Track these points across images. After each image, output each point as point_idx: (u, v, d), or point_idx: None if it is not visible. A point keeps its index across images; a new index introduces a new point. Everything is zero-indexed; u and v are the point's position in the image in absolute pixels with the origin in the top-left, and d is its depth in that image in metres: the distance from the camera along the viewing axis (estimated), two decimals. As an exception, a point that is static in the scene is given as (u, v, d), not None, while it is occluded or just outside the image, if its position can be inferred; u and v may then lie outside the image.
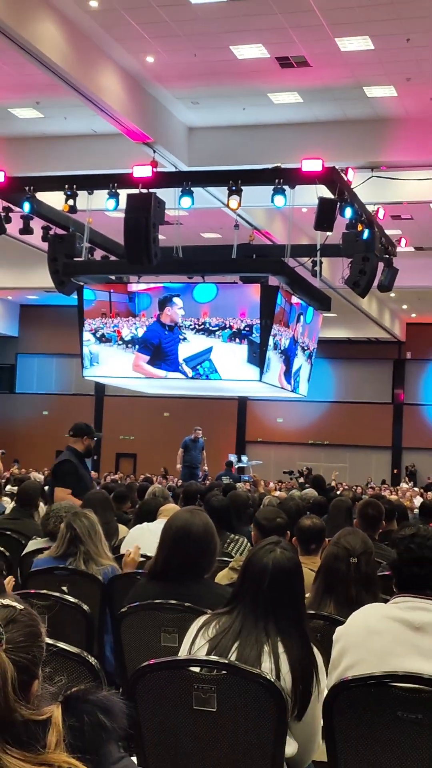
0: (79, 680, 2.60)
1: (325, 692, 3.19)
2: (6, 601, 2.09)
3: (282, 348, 15.06)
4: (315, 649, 3.35)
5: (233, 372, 14.86)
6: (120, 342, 15.14)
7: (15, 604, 2.09)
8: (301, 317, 15.53)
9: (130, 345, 15.12)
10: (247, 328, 14.43)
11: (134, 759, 2.75)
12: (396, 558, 3.47)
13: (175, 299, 14.94)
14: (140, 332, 15.15)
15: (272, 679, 3.10)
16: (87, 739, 1.99)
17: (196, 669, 3.19)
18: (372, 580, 4.40)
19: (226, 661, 3.18)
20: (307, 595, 4.58)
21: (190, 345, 14.94)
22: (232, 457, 25.81)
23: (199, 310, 14.92)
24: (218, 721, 3.14)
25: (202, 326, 14.79)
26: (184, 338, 14.94)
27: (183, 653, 3.45)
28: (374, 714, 3.06)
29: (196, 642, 3.41)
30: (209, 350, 14.87)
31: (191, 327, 14.89)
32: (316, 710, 3.23)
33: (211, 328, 14.74)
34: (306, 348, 15.93)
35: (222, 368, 14.79)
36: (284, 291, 14.45)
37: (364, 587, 4.32)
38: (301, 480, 23.23)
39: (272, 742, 3.11)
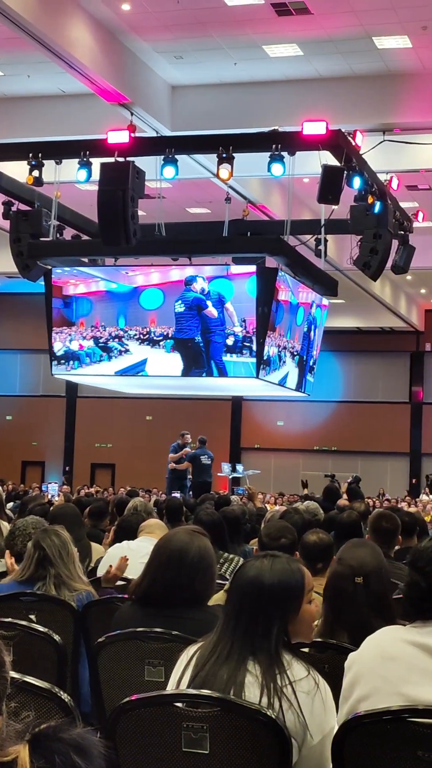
0: (50, 718, 2.61)
1: (336, 729, 3.20)
2: None
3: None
4: (323, 682, 3.36)
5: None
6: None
7: None
8: (291, 318, 15.58)
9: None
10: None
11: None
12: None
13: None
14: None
15: (273, 716, 3.11)
16: None
17: (187, 705, 3.20)
18: (384, 601, 4.40)
19: (221, 696, 3.19)
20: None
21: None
22: (226, 467, 25.80)
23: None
24: (211, 764, 3.15)
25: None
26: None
27: (171, 688, 3.45)
28: (391, 754, 3.06)
29: (185, 675, 3.42)
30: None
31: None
32: (323, 750, 3.24)
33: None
34: (295, 353, 15.90)
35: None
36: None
37: (375, 610, 4.33)
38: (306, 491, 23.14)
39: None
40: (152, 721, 3.22)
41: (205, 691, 3.23)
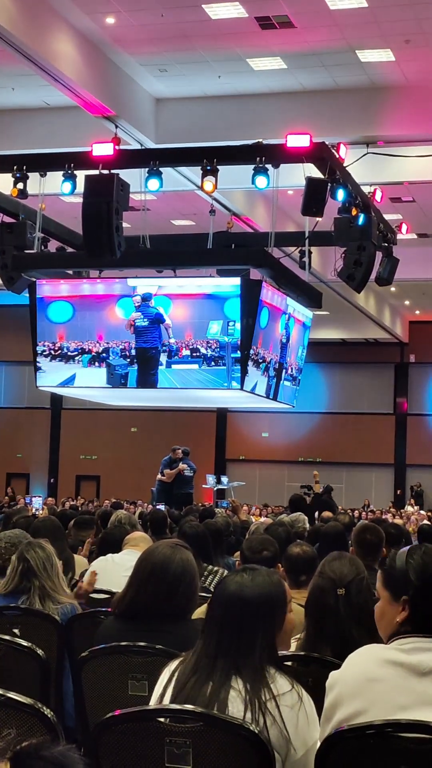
0: (32, 734, 2.59)
1: (317, 746, 3.19)
2: None
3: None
4: (307, 696, 3.36)
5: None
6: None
7: None
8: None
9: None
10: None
11: None
12: None
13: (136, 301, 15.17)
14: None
15: (256, 731, 3.10)
16: None
17: (170, 720, 3.20)
18: (366, 612, 4.40)
19: (202, 711, 3.18)
20: (298, 636, 4.61)
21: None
22: (210, 479, 25.79)
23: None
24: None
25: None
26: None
27: (153, 704, 3.45)
28: (375, 770, 3.06)
29: (168, 690, 3.41)
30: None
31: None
32: (307, 765, 3.23)
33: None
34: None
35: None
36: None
37: (356, 622, 4.33)
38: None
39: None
40: (135, 736, 3.22)
41: (189, 706, 3.23)
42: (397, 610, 3.33)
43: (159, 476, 21.53)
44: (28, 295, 15.41)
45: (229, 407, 32.20)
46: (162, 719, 3.20)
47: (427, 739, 2.99)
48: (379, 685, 3.18)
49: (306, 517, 13.14)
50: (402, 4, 14.06)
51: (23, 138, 17.31)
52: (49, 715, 3.19)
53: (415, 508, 29.49)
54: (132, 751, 3.20)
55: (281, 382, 16.39)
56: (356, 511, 24.66)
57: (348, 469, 34.43)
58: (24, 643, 4.58)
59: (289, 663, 4.02)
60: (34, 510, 17.91)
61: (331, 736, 3.12)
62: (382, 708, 3.15)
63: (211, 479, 25.72)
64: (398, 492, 34.11)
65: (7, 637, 4.60)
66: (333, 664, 3.55)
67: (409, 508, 28.91)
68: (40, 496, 27.66)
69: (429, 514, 26.24)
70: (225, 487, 26.25)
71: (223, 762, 3.13)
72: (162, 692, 3.41)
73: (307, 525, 11.76)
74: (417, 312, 33.41)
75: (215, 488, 25.67)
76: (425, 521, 20.78)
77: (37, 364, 15.49)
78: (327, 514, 15.17)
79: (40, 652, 4.54)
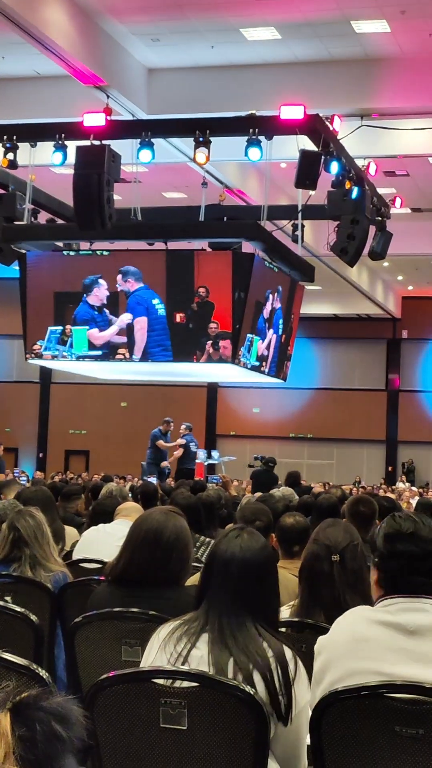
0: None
1: (309, 709, 3.23)
2: None
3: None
4: (299, 660, 3.39)
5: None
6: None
7: None
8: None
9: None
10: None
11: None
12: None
13: (101, 280, 15.07)
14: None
15: (252, 692, 3.13)
16: (40, 752, 2.01)
17: (163, 681, 3.22)
18: (360, 578, 4.44)
19: (198, 672, 3.21)
20: (292, 603, 4.65)
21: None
22: (201, 453, 25.81)
23: None
24: (189, 740, 3.17)
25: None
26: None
27: (145, 666, 3.48)
28: (369, 730, 3.09)
29: (159, 653, 3.44)
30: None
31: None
32: (300, 726, 3.27)
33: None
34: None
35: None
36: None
37: (350, 588, 4.37)
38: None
39: (251, 763, 3.15)
40: (130, 697, 3.25)
41: (184, 668, 3.26)
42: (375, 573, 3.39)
43: (174, 451, 21.57)
44: (18, 267, 15.41)
45: (220, 382, 32.22)
46: (157, 681, 3.24)
47: (420, 700, 3.03)
48: (368, 644, 3.22)
49: (293, 491, 13.20)
50: (398, -26, 14.07)
51: (13, 108, 17.25)
52: (44, 676, 3.23)
53: (407, 484, 29.57)
54: (127, 712, 3.23)
55: (274, 360, 16.42)
56: (348, 488, 24.70)
57: (339, 446, 34.52)
58: (17, 608, 4.60)
59: (283, 629, 4.06)
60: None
61: (327, 697, 3.15)
62: (372, 666, 3.19)
63: (202, 454, 25.73)
64: (390, 469, 34.20)
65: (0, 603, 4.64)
66: (326, 630, 3.57)
67: (400, 485, 28.97)
68: (25, 473, 27.78)
69: (420, 490, 26.35)
70: (216, 462, 26.31)
71: (218, 723, 3.16)
72: (154, 655, 3.45)
73: (296, 498, 11.81)
74: (410, 287, 33.43)
75: (206, 463, 25.70)
76: (417, 497, 20.86)
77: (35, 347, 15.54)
78: (318, 488, 15.21)
79: (33, 617, 4.56)
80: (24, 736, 2.01)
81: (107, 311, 15.14)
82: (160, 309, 14.87)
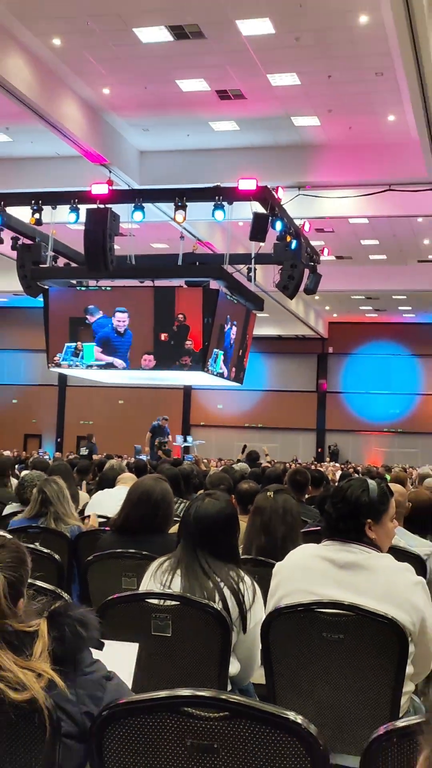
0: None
1: (263, 619, 3.27)
2: None
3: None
4: (256, 585, 3.43)
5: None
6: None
7: (5, 534, 2.20)
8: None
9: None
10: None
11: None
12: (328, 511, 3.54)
13: (119, 313, 15.09)
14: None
15: (218, 608, 3.19)
16: (67, 647, 2.08)
17: (154, 601, 3.27)
18: (285, 508, 4.49)
19: (178, 593, 3.27)
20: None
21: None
22: (179, 438, 25.82)
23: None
24: (172, 644, 3.23)
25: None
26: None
27: (140, 590, 3.52)
28: (304, 635, 3.14)
29: (151, 581, 3.49)
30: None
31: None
32: (255, 635, 3.32)
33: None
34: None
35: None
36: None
37: (278, 516, 4.43)
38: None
39: (218, 662, 3.20)
40: (129, 613, 3.29)
41: (169, 590, 3.32)
42: None
43: (147, 447, 21.62)
44: (42, 299, 15.39)
45: (192, 385, 32.20)
46: (149, 600, 3.29)
47: (341, 614, 3.09)
48: (309, 571, 3.25)
49: (247, 466, 13.23)
50: (326, 83, 14.14)
51: (38, 180, 17.21)
52: (66, 596, 3.27)
53: (331, 463, 29.69)
54: (127, 623, 3.28)
55: (231, 366, 16.45)
56: (287, 464, 24.74)
57: (282, 433, 34.55)
58: (44, 550, 4.64)
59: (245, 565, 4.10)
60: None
61: (272, 613, 3.20)
62: (308, 587, 3.24)
63: (179, 438, 25.74)
64: (319, 450, 34.25)
65: (31, 546, 4.65)
66: (272, 565, 3.61)
67: (326, 463, 29.10)
68: (47, 452, 27.67)
69: (342, 466, 26.44)
70: (189, 445, 26.30)
71: (194, 631, 3.21)
72: (148, 582, 3.50)
73: (249, 470, 11.85)
74: (334, 315, 33.52)
75: (182, 446, 25.69)
76: (339, 471, 20.94)
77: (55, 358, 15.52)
78: (266, 464, 15.18)
79: (57, 556, 4.61)
80: (56, 636, 2.08)
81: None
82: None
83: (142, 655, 2.76)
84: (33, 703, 1.95)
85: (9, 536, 2.18)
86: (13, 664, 1.98)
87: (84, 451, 22.91)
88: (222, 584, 3.32)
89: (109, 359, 15.39)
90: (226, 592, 3.30)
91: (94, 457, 19.72)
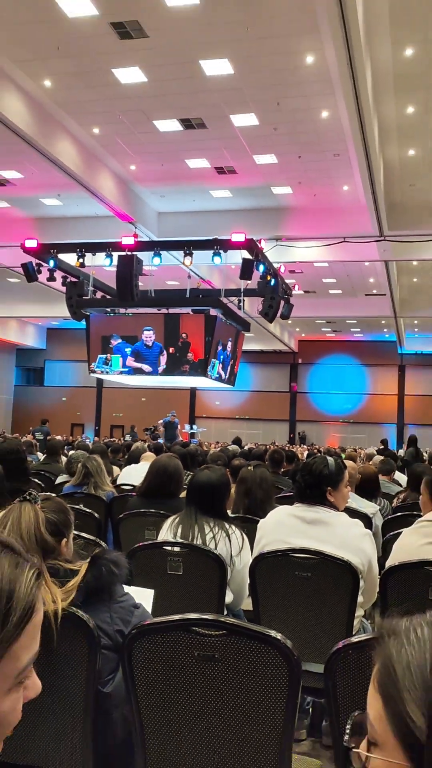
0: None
1: (250, 561, 3.27)
2: (45, 494, 2.20)
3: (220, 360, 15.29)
4: (244, 535, 3.43)
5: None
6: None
7: (51, 494, 2.21)
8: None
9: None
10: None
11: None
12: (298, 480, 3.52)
13: (146, 331, 15.10)
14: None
15: (217, 552, 3.19)
16: (104, 581, 2.08)
17: (169, 548, 3.27)
18: (262, 477, 4.49)
19: (188, 543, 3.26)
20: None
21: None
22: (187, 427, 25.82)
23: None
24: (183, 580, 3.23)
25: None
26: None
27: (159, 539, 3.51)
28: (281, 573, 3.14)
29: (167, 533, 3.49)
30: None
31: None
32: (245, 573, 3.31)
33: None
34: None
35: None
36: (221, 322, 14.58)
37: (257, 483, 4.42)
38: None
39: (217, 593, 3.20)
40: (151, 557, 3.29)
41: (181, 540, 3.31)
42: None
43: (160, 428, 21.49)
44: (84, 322, 15.39)
45: (197, 387, 32.18)
46: (165, 547, 3.29)
47: (308, 557, 3.09)
48: (284, 526, 3.24)
49: (237, 447, 13.21)
50: (297, 161, 14.13)
51: (82, 233, 17.19)
52: (103, 545, 3.26)
53: (300, 445, 29.66)
54: (149, 565, 3.28)
55: (227, 374, 16.47)
56: (267, 446, 24.72)
57: (263, 423, 34.47)
58: (87, 510, 4.64)
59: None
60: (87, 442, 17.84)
61: (258, 557, 3.20)
62: (284, 538, 3.24)
63: (187, 427, 25.77)
64: (291, 435, 34.19)
65: (77, 507, 4.66)
66: (256, 520, 3.60)
67: (296, 445, 29.06)
68: (89, 437, 27.58)
69: (308, 448, 26.40)
70: (194, 431, 26.34)
71: (199, 568, 3.21)
72: (165, 534, 3.50)
73: (239, 451, 11.83)
74: (303, 334, 33.50)
75: (189, 432, 25.70)
76: (306, 451, 20.91)
77: (91, 366, 15.51)
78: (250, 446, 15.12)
79: (96, 515, 4.60)
80: (95, 574, 2.08)
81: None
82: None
83: (158, 593, 2.75)
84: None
85: (54, 495, 2.19)
86: (52, 586, 1.98)
87: (128, 438, 22.74)
88: (217, 534, 3.32)
89: (139, 365, 15.42)
90: (219, 540, 3.30)
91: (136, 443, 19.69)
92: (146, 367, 15.37)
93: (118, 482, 6.79)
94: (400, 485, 7.32)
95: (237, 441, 16.50)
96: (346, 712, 1.99)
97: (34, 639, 0.95)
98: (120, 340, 15.42)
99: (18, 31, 10.13)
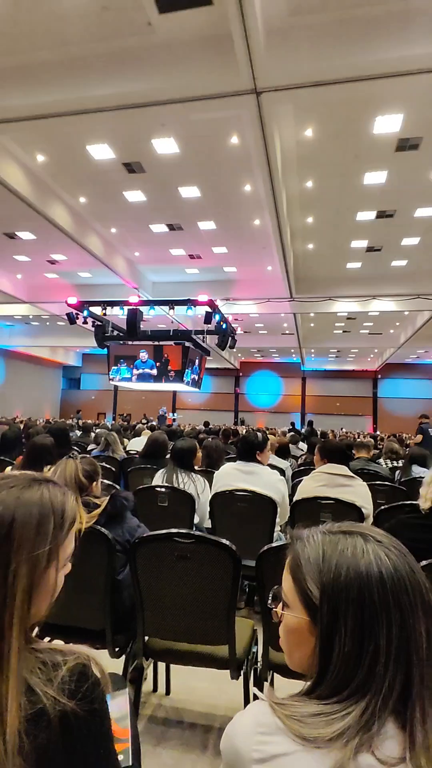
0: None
1: (210, 497, 3.24)
2: (82, 455, 2.15)
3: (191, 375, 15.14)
4: (205, 481, 3.39)
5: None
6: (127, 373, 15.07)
7: (87, 455, 2.16)
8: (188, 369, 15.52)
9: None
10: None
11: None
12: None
13: (142, 353, 14.90)
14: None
15: (189, 491, 3.15)
16: (118, 509, 2.04)
17: (159, 489, 3.22)
18: (220, 456, 4.41)
19: (172, 486, 3.22)
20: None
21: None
22: (171, 415, 25.53)
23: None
24: (168, 509, 3.18)
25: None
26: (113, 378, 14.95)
27: (154, 483, 3.46)
28: (228, 504, 3.12)
29: (157, 479, 3.43)
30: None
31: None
32: (206, 504, 3.28)
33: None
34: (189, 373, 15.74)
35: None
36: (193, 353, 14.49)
37: (218, 458, 4.32)
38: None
39: (189, 515, 3.16)
40: (147, 494, 3.24)
41: (165, 484, 3.27)
42: None
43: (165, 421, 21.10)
44: (106, 350, 15.16)
45: (177, 390, 31.88)
46: (157, 489, 3.24)
47: (246, 495, 3.08)
48: (230, 474, 3.22)
49: (204, 427, 13.08)
50: (240, 252, 14.11)
51: (105, 294, 16.93)
52: (118, 487, 3.18)
53: (242, 426, 29.45)
54: (146, 499, 3.22)
55: (196, 381, 16.38)
56: (220, 426, 24.47)
57: (218, 412, 34.10)
58: (107, 465, 4.53)
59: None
60: (109, 425, 17.48)
61: (215, 495, 3.17)
62: (230, 482, 3.22)
63: (171, 415, 25.51)
64: (235, 420, 33.78)
65: (102, 464, 4.55)
66: (212, 472, 3.52)
67: (239, 426, 28.79)
68: (110, 421, 27.02)
69: (246, 427, 26.16)
70: (175, 417, 26.06)
71: (177, 502, 3.17)
72: (156, 480, 3.44)
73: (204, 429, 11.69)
74: (243, 357, 33.54)
75: (172, 418, 25.40)
76: (244, 429, 20.77)
77: (110, 376, 15.20)
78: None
79: (113, 469, 4.50)
80: (113, 504, 2.05)
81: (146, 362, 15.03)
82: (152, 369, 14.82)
83: (151, 518, 2.69)
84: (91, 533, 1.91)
85: (89, 456, 2.15)
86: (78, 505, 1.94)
87: (153, 422, 22.02)
88: (188, 481, 3.29)
89: (140, 371, 15.21)
90: (190, 484, 3.27)
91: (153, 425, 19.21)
92: (150, 372, 15.17)
93: (128, 449, 6.68)
94: (303, 450, 7.38)
95: (206, 423, 16.44)
96: (268, 589, 1.99)
97: (73, 539, 0.96)
98: (125, 365, 15.11)
99: (59, 165, 9.99)
